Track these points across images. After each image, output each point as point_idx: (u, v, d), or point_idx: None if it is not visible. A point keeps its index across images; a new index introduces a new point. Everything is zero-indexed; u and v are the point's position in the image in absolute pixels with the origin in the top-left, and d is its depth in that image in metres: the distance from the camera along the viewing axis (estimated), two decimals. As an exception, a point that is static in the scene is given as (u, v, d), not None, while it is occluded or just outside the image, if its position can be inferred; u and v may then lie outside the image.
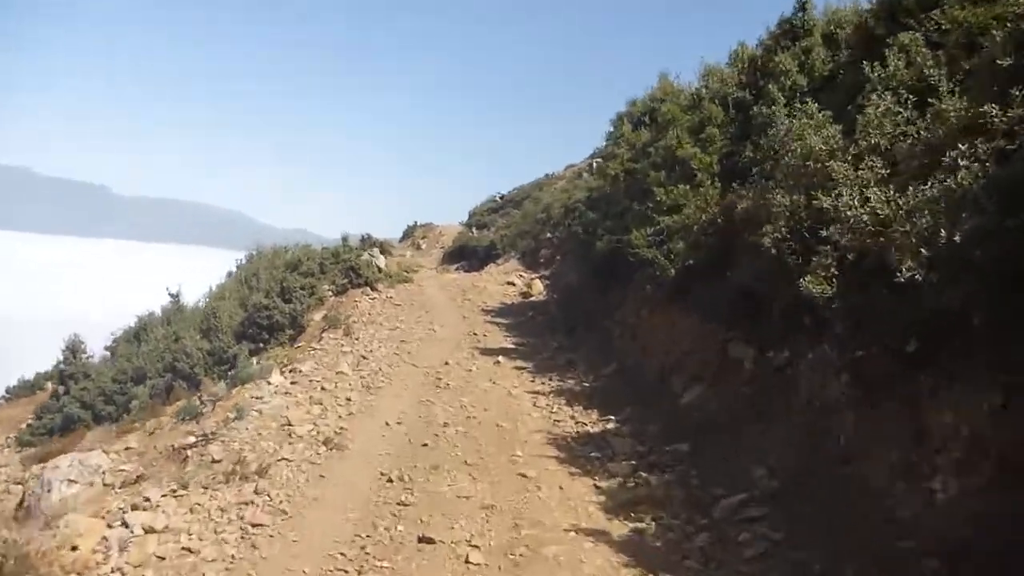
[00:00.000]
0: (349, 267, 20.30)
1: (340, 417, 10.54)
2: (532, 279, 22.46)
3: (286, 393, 11.49)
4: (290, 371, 12.84)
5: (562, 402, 11.45)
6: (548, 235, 27.71)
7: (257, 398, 11.14)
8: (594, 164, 37.18)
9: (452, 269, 43.38)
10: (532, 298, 21.09)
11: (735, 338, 9.91)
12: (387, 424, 10.35)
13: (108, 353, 24.43)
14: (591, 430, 10.24)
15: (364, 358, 13.80)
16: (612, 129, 17.50)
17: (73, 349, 22.13)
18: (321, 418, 10.46)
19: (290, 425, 10.06)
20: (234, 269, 26.76)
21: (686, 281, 11.38)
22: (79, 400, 19.35)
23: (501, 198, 57.81)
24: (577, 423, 10.56)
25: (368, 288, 20.13)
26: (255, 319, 18.94)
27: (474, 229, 45.75)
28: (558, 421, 10.67)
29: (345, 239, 24.23)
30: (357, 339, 15.46)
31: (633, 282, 14.31)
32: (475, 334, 16.49)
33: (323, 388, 11.87)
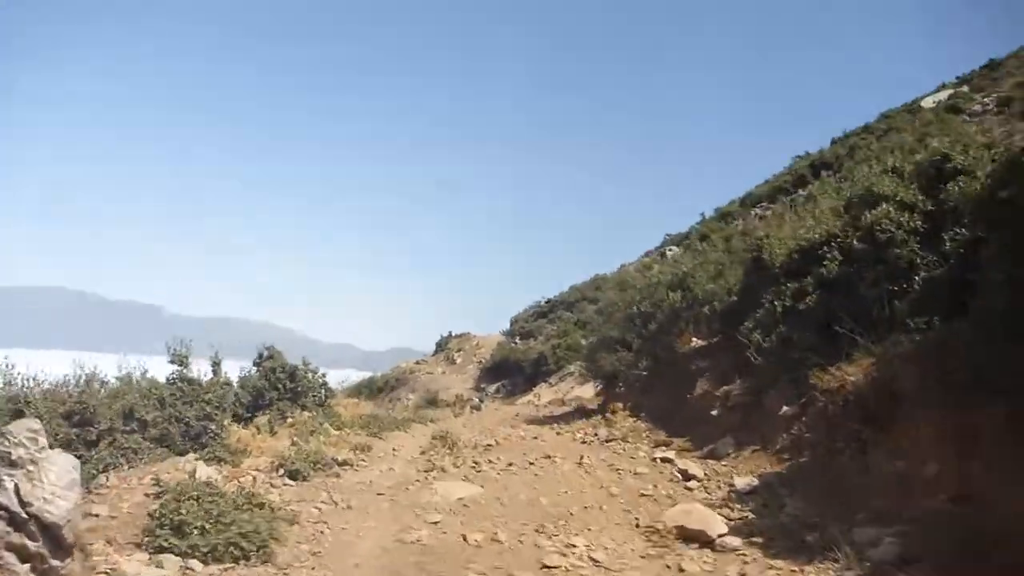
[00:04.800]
0: None
1: None
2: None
3: None
4: None
5: None
6: (702, 341, 9.99)
7: None
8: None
9: (490, 392, 27.05)
10: None
11: None
12: None
13: None
14: None
15: None
16: None
17: None
18: None
19: None
20: None
21: None
22: None
23: (547, 302, 42.47)
24: None
25: None
26: None
27: (517, 339, 33.66)
28: None
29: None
30: None
31: None
32: None
33: None
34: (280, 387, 9.05)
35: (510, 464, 7.42)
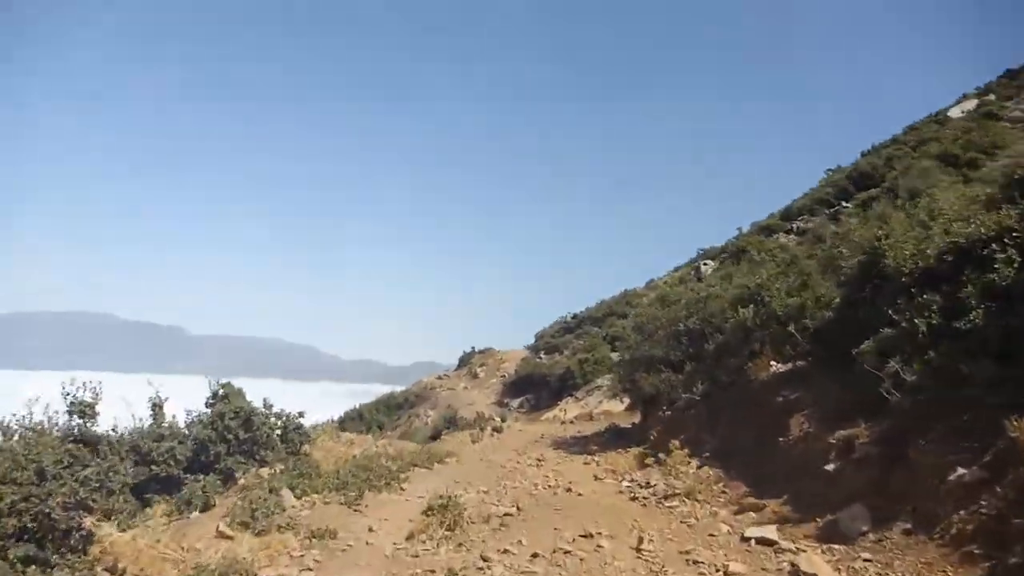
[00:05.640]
0: None
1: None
2: None
3: None
4: None
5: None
6: (783, 365, 7.40)
7: None
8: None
9: (513, 407, 25.74)
10: None
11: None
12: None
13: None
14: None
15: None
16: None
17: None
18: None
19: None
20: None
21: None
22: None
23: (574, 317, 40.05)
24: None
25: None
26: None
27: (542, 354, 32.33)
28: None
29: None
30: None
31: None
32: None
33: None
34: (231, 438, 6.75)
35: (534, 556, 4.97)
